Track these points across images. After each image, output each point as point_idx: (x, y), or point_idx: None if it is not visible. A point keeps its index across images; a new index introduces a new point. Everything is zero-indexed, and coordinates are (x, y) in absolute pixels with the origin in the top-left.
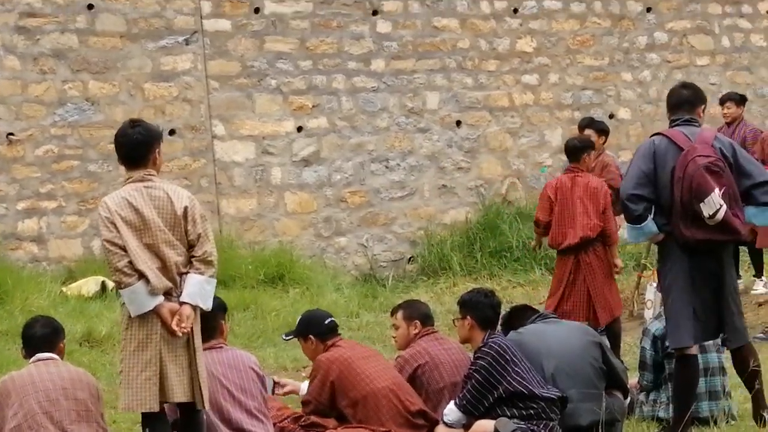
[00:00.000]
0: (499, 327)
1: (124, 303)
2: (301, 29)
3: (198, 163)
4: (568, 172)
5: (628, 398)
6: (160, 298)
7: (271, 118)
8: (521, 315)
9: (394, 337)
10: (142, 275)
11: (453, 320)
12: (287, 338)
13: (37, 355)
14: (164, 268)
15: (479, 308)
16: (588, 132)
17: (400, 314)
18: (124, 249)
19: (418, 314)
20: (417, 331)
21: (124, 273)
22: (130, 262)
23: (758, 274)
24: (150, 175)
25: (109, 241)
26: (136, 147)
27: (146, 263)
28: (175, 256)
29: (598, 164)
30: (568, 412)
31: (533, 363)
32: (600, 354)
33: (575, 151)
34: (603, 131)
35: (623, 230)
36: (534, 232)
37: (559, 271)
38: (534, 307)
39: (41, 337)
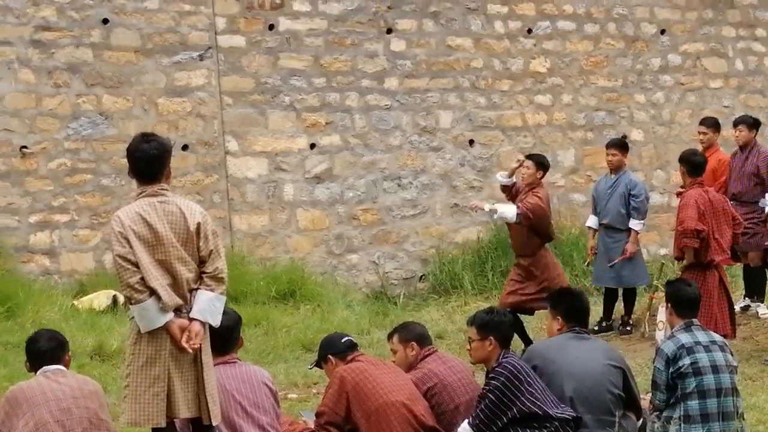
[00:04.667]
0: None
1: (132, 318)
2: (315, 46)
3: (211, 179)
4: (698, 186)
5: (641, 420)
6: (171, 315)
7: (284, 134)
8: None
9: (393, 361)
10: (153, 292)
11: (469, 340)
12: (311, 367)
13: (44, 367)
14: (175, 284)
15: (501, 329)
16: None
17: (395, 338)
18: (136, 265)
19: (414, 335)
20: (414, 352)
21: (135, 289)
22: (142, 279)
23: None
24: (163, 189)
25: (121, 257)
26: (152, 162)
27: (158, 280)
28: (186, 272)
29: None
30: None
31: (553, 381)
32: (621, 379)
33: (704, 165)
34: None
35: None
36: (682, 246)
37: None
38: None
39: (47, 351)
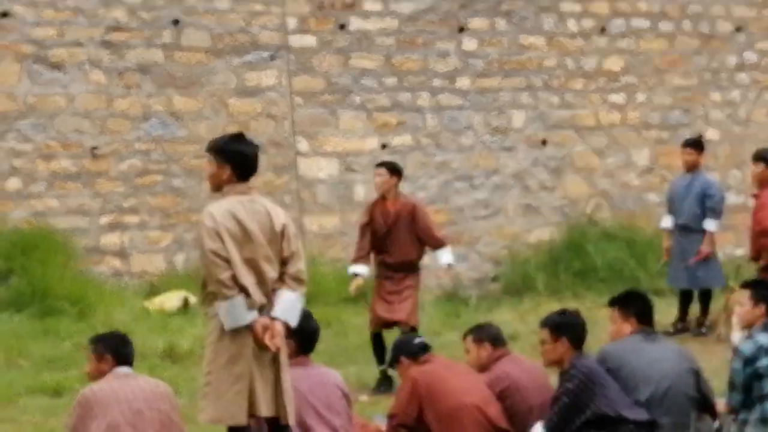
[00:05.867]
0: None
1: (215, 315)
2: (386, 46)
3: (281, 180)
4: None
5: (716, 421)
6: (256, 313)
7: (355, 134)
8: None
9: (466, 362)
10: (242, 289)
11: (542, 342)
12: (383, 368)
13: (115, 369)
14: (261, 282)
15: (574, 330)
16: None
17: (469, 338)
18: (227, 261)
19: (487, 336)
20: (487, 353)
21: (225, 285)
22: (233, 275)
23: None
24: (250, 188)
25: (213, 252)
26: (256, 161)
27: (247, 277)
28: (271, 271)
29: None
30: None
31: (629, 383)
32: (695, 381)
33: None
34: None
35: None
36: (760, 246)
37: None
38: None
39: (130, 354)
